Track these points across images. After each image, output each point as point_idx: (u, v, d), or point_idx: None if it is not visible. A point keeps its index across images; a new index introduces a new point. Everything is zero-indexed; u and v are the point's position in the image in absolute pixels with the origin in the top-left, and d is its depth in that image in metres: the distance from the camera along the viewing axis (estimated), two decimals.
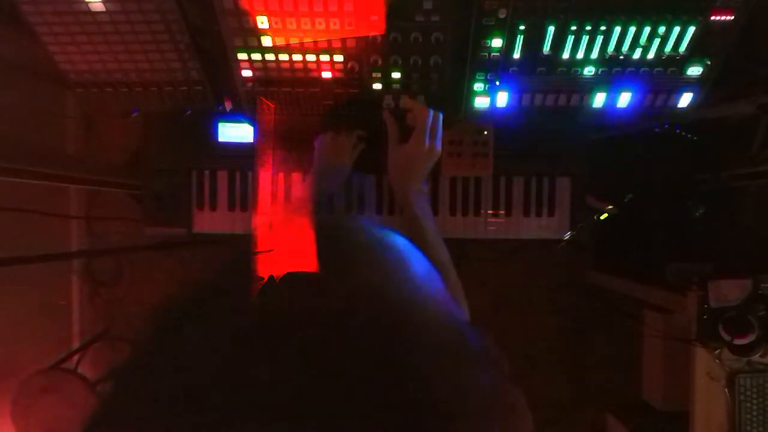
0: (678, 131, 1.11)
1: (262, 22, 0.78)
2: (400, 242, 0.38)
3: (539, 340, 2.11)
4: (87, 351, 1.96)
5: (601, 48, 0.80)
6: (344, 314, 0.29)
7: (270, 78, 0.87)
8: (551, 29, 0.78)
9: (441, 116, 0.88)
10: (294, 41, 0.81)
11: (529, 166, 1.09)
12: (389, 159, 0.90)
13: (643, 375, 1.95)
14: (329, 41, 0.81)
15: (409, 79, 0.87)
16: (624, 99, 0.87)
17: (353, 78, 0.87)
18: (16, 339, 1.67)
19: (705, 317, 1.21)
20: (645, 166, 1.45)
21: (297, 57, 0.84)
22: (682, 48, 0.80)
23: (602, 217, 1.12)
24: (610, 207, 1.12)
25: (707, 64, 0.82)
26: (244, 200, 1.09)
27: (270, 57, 0.83)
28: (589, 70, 0.83)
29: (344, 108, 0.92)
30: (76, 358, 1.88)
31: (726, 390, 1.24)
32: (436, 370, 0.28)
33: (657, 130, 1.00)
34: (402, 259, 0.37)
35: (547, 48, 0.81)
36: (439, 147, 0.88)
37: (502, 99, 0.88)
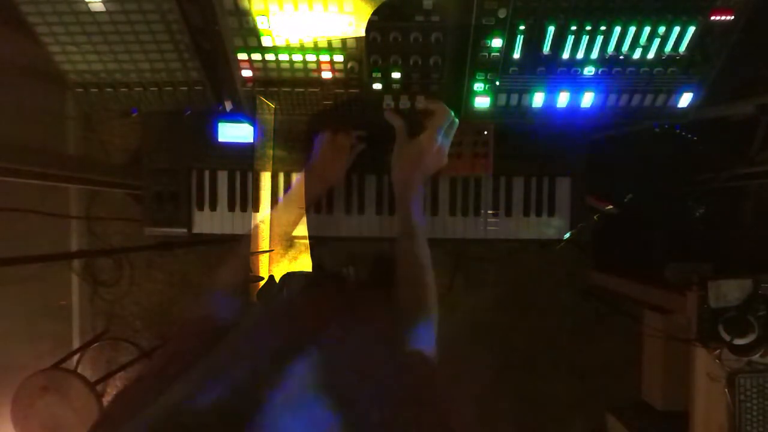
0: (678, 131, 1.11)
1: (262, 22, 0.78)
2: None
3: (539, 339, 2.11)
4: (87, 351, 1.96)
5: (601, 48, 0.80)
6: None
7: (270, 78, 0.87)
8: (551, 29, 0.78)
9: (456, 123, 0.88)
10: (294, 41, 0.81)
11: (529, 166, 1.08)
12: (395, 152, 0.89)
13: (643, 375, 1.95)
14: (329, 41, 0.81)
15: (409, 79, 0.87)
16: (624, 99, 0.87)
17: (353, 78, 0.87)
18: (16, 339, 1.67)
19: (705, 317, 1.21)
20: (645, 166, 1.45)
21: (297, 57, 0.84)
22: (682, 48, 0.80)
23: (602, 217, 1.12)
24: (610, 207, 1.12)
25: (707, 64, 0.82)
26: (244, 200, 1.09)
27: (270, 57, 0.83)
28: (589, 70, 0.83)
29: (344, 108, 0.92)
30: (76, 358, 1.89)
31: (726, 390, 1.24)
32: None
33: (657, 130, 1.00)
34: None
35: (547, 48, 0.80)
36: (446, 151, 0.88)
37: (502, 99, 0.88)
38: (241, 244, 0.86)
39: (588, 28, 0.77)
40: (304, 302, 0.84)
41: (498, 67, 0.83)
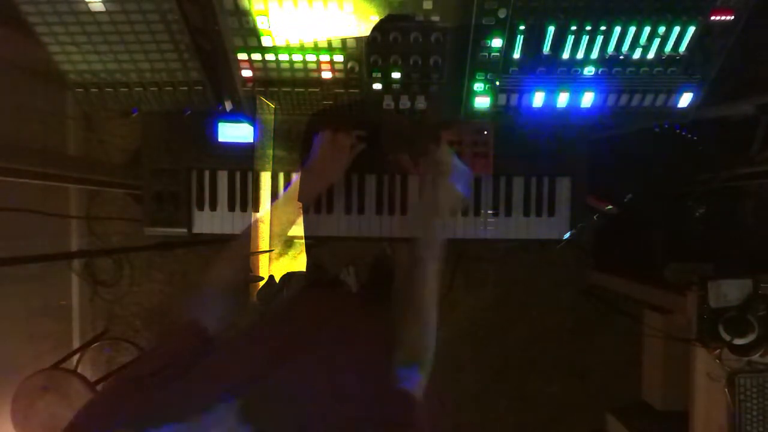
0: (678, 131, 1.11)
1: (262, 22, 0.78)
2: None
3: (539, 339, 2.11)
4: (87, 351, 1.96)
5: (601, 48, 0.80)
6: None
7: (270, 78, 0.87)
8: (551, 29, 0.78)
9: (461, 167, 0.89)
10: (294, 41, 0.81)
11: (529, 166, 1.08)
12: (418, 207, 0.89)
13: (643, 375, 1.95)
14: (329, 41, 0.81)
15: (409, 79, 0.87)
16: (624, 99, 0.87)
17: (353, 78, 0.87)
18: (16, 339, 1.67)
19: (705, 317, 1.21)
20: (645, 166, 1.45)
21: (297, 57, 0.84)
22: (682, 48, 0.80)
23: (602, 217, 1.12)
24: (610, 207, 1.12)
25: (707, 64, 0.82)
26: (244, 200, 1.09)
27: (270, 57, 0.84)
28: (589, 70, 0.83)
29: (344, 108, 0.92)
30: (76, 358, 1.89)
31: (726, 390, 1.24)
32: None
33: (657, 130, 1.00)
34: None
35: (547, 48, 0.81)
36: (462, 192, 0.87)
37: (503, 99, 0.88)
38: (236, 242, 0.85)
39: (588, 28, 0.77)
40: (303, 304, 0.84)
41: (498, 67, 0.83)
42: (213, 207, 1.08)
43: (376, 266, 2.01)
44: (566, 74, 0.84)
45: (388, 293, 0.82)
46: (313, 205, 1.06)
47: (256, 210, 1.07)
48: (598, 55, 0.81)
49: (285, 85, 0.88)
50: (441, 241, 0.81)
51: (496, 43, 0.80)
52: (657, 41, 0.79)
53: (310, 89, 0.89)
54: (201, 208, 1.08)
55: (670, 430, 1.52)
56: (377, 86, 0.88)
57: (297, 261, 0.98)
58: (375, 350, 0.70)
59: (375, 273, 2.00)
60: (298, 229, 0.96)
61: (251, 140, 1.03)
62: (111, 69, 0.84)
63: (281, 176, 1.07)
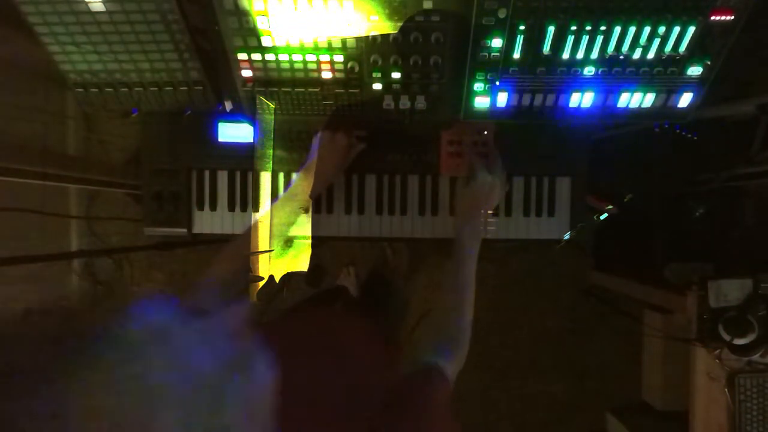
0: (678, 131, 1.11)
1: (262, 22, 0.78)
2: None
3: (539, 340, 2.12)
4: None
5: (601, 48, 0.80)
6: None
7: (270, 78, 0.88)
8: (551, 29, 0.78)
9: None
10: (294, 41, 0.81)
11: (529, 166, 1.09)
12: (462, 193, 0.97)
13: (643, 375, 1.95)
14: (329, 41, 0.81)
15: (409, 79, 0.87)
16: (624, 99, 0.87)
17: (353, 78, 0.87)
18: None
19: (705, 317, 1.21)
20: (645, 166, 1.45)
21: (297, 57, 0.84)
22: (682, 48, 0.80)
23: (602, 217, 1.12)
24: (610, 207, 1.12)
25: (707, 64, 0.82)
26: (244, 200, 1.09)
27: (270, 57, 0.84)
28: (589, 70, 0.83)
29: (344, 108, 0.92)
30: None
31: (726, 390, 1.24)
32: None
33: (657, 130, 1.00)
34: None
35: (547, 48, 0.80)
36: (502, 183, 0.97)
37: (502, 99, 0.88)
38: (235, 242, 0.85)
39: (588, 28, 0.77)
40: (301, 317, 0.85)
41: (498, 67, 0.83)
42: (213, 207, 1.08)
43: (375, 270, 2.02)
44: (566, 74, 0.84)
45: (386, 299, 0.85)
46: (313, 204, 1.06)
47: (256, 210, 1.07)
48: (598, 55, 0.81)
49: (285, 85, 0.88)
50: (481, 230, 0.94)
51: (496, 43, 0.80)
52: (657, 41, 0.79)
53: (310, 89, 0.89)
54: (201, 208, 1.08)
55: (670, 430, 1.52)
56: (377, 86, 0.88)
57: (297, 261, 0.98)
58: (376, 365, 0.72)
59: (374, 276, 2.01)
60: (298, 229, 0.96)
61: (251, 140, 1.03)
62: (111, 69, 0.84)
63: (281, 176, 1.07)
